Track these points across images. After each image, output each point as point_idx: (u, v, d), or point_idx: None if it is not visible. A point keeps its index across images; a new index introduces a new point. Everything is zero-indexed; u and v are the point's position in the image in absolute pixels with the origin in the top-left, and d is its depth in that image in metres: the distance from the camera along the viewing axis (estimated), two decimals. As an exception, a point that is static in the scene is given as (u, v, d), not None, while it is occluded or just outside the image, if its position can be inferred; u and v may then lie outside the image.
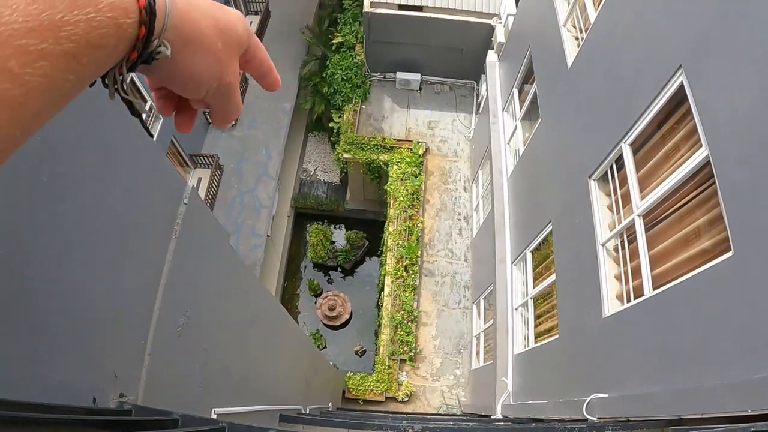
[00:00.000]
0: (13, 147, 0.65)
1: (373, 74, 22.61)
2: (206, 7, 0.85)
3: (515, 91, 14.13)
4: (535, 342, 10.65)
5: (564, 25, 10.36)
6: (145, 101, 14.93)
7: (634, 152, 6.99)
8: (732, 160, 4.72)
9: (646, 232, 6.56)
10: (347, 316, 22.94)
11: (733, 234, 4.53)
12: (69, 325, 1.94)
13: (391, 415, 15.22)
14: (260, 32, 25.92)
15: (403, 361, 17.83)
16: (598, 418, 6.56)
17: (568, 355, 8.69)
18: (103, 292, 2.15)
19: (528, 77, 13.25)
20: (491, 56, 17.32)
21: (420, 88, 22.56)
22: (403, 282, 18.64)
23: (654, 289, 6.08)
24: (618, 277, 7.29)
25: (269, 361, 5.97)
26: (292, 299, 24.82)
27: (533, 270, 11.36)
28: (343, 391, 17.28)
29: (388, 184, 20.22)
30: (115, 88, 0.81)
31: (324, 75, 22.86)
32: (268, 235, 21.36)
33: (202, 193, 20.35)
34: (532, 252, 11.41)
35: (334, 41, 23.00)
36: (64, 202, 1.84)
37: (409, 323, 18.07)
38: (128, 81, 0.83)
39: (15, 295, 1.63)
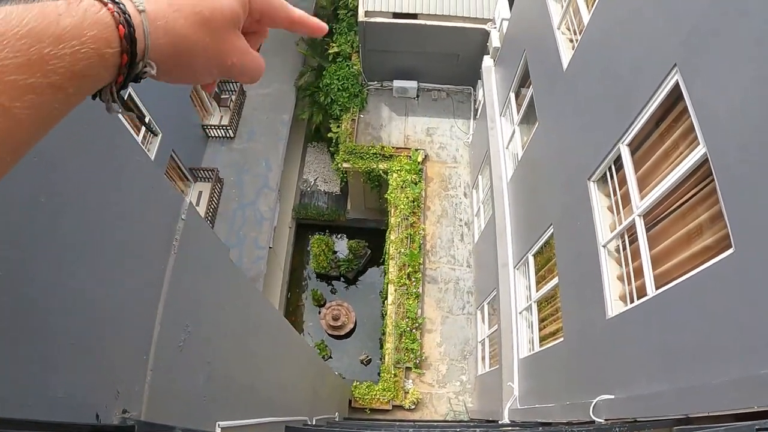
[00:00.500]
0: (3, 172, 0.68)
1: (370, 83, 22.67)
2: (188, 4, 0.85)
3: (512, 96, 14.14)
4: (540, 345, 10.63)
5: (558, 28, 10.39)
6: (144, 115, 14.94)
7: (632, 152, 7.00)
8: (730, 157, 4.73)
9: (646, 232, 6.56)
10: (351, 326, 22.91)
11: (733, 231, 4.53)
12: (71, 343, 1.95)
13: (398, 423, 15.20)
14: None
15: (408, 368, 17.79)
16: (606, 419, 6.54)
17: (574, 358, 8.67)
18: (104, 308, 2.16)
19: (524, 81, 13.27)
20: (487, 61, 17.35)
21: (417, 96, 22.61)
22: (407, 290, 18.61)
23: (657, 288, 6.08)
24: (620, 278, 7.28)
25: (273, 373, 5.96)
26: (296, 310, 24.81)
27: (536, 273, 11.35)
28: (350, 401, 17.24)
29: (388, 192, 20.23)
30: (110, 105, 0.84)
31: (320, 85, 22.90)
32: (270, 247, 21.37)
33: (202, 206, 20.38)
34: (534, 256, 11.40)
35: (330, 51, 23.05)
36: (63, 220, 1.84)
37: (414, 331, 18.04)
38: (123, 97, 0.86)
39: (16, 312, 1.63)
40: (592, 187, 8.16)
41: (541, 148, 11.26)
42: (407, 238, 19.36)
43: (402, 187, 20.07)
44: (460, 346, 18.22)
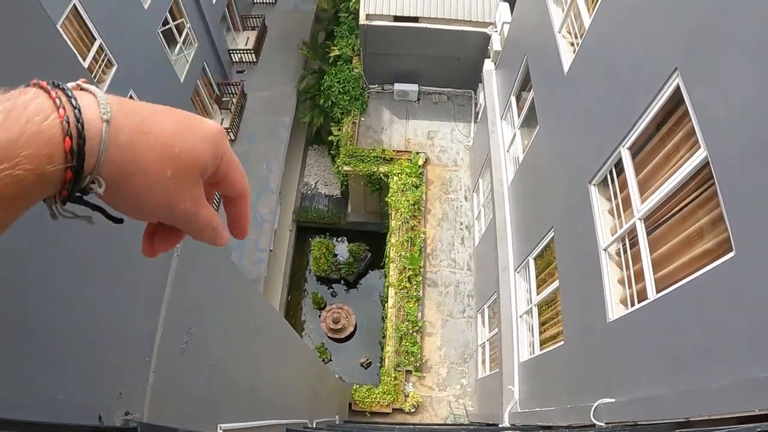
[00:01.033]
0: None
1: (371, 86, 22.69)
2: (162, 132, 0.79)
3: (513, 99, 14.15)
4: (541, 349, 10.62)
5: (559, 32, 10.40)
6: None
7: (633, 156, 7.00)
8: (731, 160, 4.73)
9: (647, 236, 6.56)
10: (352, 329, 22.89)
11: (734, 234, 4.53)
12: (72, 344, 1.95)
13: (398, 426, 15.19)
14: (257, 47, 26.08)
15: (409, 372, 17.77)
16: (606, 423, 6.53)
17: (574, 361, 8.67)
18: (106, 310, 2.16)
19: (525, 84, 13.28)
20: (488, 65, 17.35)
21: (418, 99, 22.63)
22: (407, 293, 18.61)
23: (658, 292, 6.07)
24: (621, 281, 7.28)
25: (275, 376, 5.97)
26: (297, 313, 24.80)
27: (536, 277, 11.34)
28: (350, 404, 17.22)
29: (389, 195, 20.24)
30: (54, 212, 0.77)
31: (321, 88, 22.93)
32: (270, 250, 21.38)
33: (203, 209, 20.37)
34: (535, 259, 11.40)
35: (331, 54, 23.09)
36: (66, 222, 1.85)
37: (414, 334, 18.03)
38: (82, 198, 0.78)
39: (17, 313, 1.64)
40: (593, 190, 8.16)
41: (542, 152, 11.27)
42: (408, 241, 19.36)
43: (403, 191, 20.07)
44: (461, 349, 18.21)
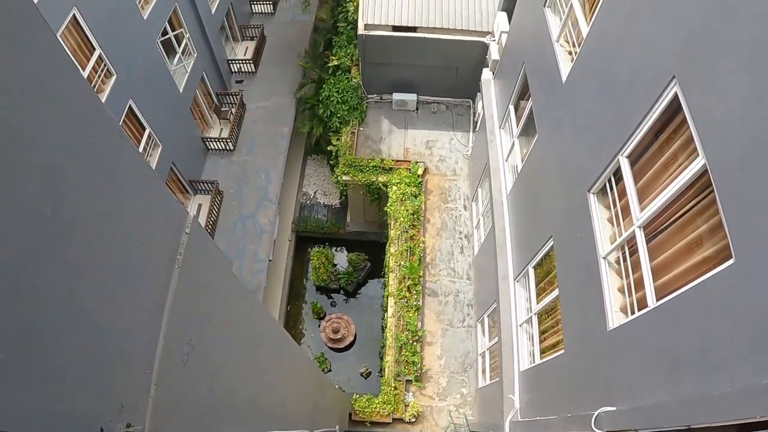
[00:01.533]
0: None
1: (369, 96, 22.74)
2: None
3: (511, 108, 14.18)
4: (541, 358, 10.60)
5: (557, 40, 10.44)
6: None
7: (632, 164, 7.01)
8: (729, 168, 4.74)
9: (647, 243, 6.57)
10: (351, 339, 22.87)
11: (733, 241, 4.54)
12: (75, 357, 1.95)
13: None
14: (256, 58, 26.16)
15: (408, 381, 17.73)
16: (608, 431, 6.53)
17: (575, 370, 8.65)
18: (108, 322, 2.16)
19: (523, 93, 13.32)
20: (486, 74, 17.40)
21: (417, 108, 22.69)
22: (407, 302, 18.59)
23: (657, 299, 6.07)
24: (621, 290, 7.28)
25: (275, 386, 5.96)
26: (296, 323, 24.77)
27: (536, 286, 11.34)
28: (350, 414, 17.17)
29: (388, 205, 20.25)
30: None
31: (320, 98, 22.98)
32: (270, 260, 21.39)
33: (202, 219, 20.42)
34: (534, 268, 11.40)
35: (329, 64, 23.16)
36: (68, 234, 1.85)
37: (414, 343, 18.00)
38: None
39: (20, 325, 1.64)
40: (592, 198, 8.17)
41: (541, 160, 11.29)
42: (407, 250, 19.36)
43: (402, 200, 20.09)
44: (461, 358, 18.19)
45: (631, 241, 6.94)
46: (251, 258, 20.78)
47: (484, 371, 16.28)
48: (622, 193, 7.27)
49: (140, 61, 17.85)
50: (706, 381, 4.92)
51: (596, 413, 6.73)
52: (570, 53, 9.97)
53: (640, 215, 6.62)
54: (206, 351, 3.20)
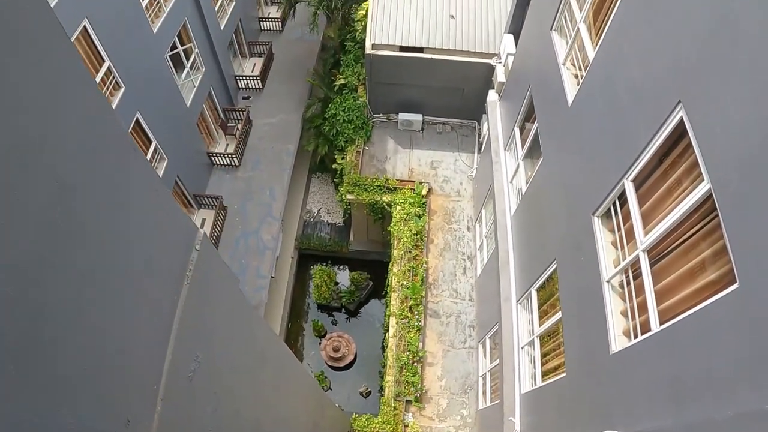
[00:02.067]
0: None
1: (375, 115, 22.84)
2: None
3: (516, 130, 14.22)
4: (543, 380, 10.55)
5: (563, 64, 10.49)
6: None
7: (637, 188, 7.02)
8: (734, 192, 4.76)
9: (651, 267, 6.56)
10: (352, 357, 22.80)
11: (737, 266, 4.54)
12: (82, 371, 1.96)
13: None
14: (264, 74, 26.31)
15: (408, 402, 17.62)
16: (609, 457, 6.49)
17: (576, 393, 8.61)
18: (116, 337, 2.18)
19: (529, 116, 13.35)
20: (492, 96, 17.47)
21: (422, 129, 22.78)
22: (408, 322, 18.53)
23: (661, 324, 6.06)
24: (624, 313, 7.26)
25: (278, 404, 5.94)
26: (297, 340, 24.70)
27: (539, 308, 11.30)
28: (349, 434, 17.08)
29: (391, 224, 20.26)
30: None
31: (326, 116, 23.07)
32: (272, 277, 21.38)
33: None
34: (537, 290, 11.38)
35: (336, 83, 23.28)
36: (80, 249, 1.87)
37: (415, 364, 17.92)
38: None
39: (29, 340, 1.65)
40: (596, 222, 8.17)
41: (545, 183, 11.30)
42: (410, 270, 19.33)
43: (405, 220, 20.09)
44: (461, 380, 18.09)
45: (635, 265, 6.93)
46: (253, 274, 20.78)
47: (484, 393, 16.19)
48: (627, 217, 7.27)
49: (149, 75, 17.98)
50: (709, 405, 4.90)
51: (598, 438, 6.70)
52: (576, 76, 10.02)
53: (644, 239, 6.62)
54: (212, 368, 3.20)
